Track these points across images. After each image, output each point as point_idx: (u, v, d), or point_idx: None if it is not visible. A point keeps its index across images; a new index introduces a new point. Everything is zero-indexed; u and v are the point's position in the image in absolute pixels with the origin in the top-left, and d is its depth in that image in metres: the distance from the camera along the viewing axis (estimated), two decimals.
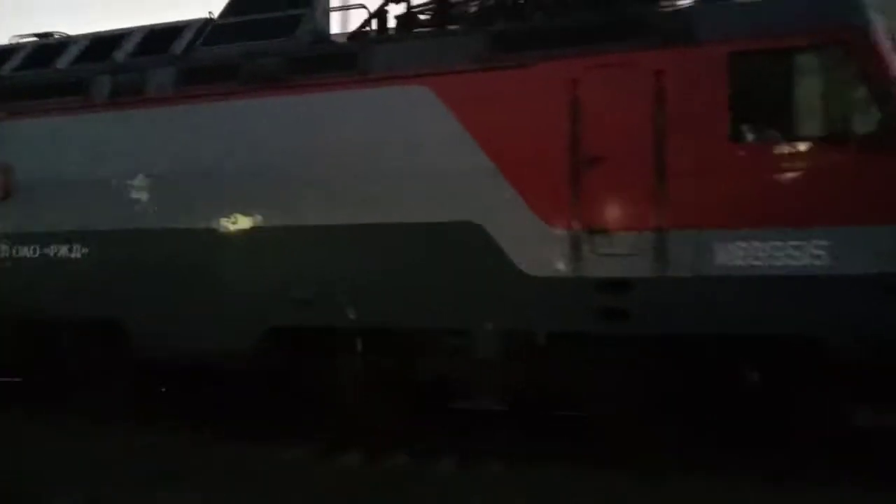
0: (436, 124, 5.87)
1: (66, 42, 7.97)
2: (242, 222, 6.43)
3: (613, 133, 5.37)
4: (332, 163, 6.18)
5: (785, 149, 5.11)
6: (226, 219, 6.47)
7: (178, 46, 7.14)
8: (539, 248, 5.57)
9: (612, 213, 5.41)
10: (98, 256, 6.90)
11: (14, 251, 7.27)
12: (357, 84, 6.19)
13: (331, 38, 6.95)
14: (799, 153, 5.08)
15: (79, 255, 7.00)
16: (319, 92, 6.28)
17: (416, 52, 6.13)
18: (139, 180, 6.81)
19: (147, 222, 6.75)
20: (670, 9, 5.71)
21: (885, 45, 5.00)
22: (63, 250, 7.07)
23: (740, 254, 5.08)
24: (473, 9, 6.43)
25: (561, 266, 5.50)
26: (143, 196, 6.81)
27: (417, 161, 5.91)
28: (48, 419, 6.66)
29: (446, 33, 6.33)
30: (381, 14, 6.70)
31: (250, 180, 6.41)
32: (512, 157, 5.65)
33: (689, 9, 5.63)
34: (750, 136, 5.24)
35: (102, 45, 7.58)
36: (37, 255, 7.17)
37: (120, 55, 7.33)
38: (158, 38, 7.34)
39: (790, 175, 5.11)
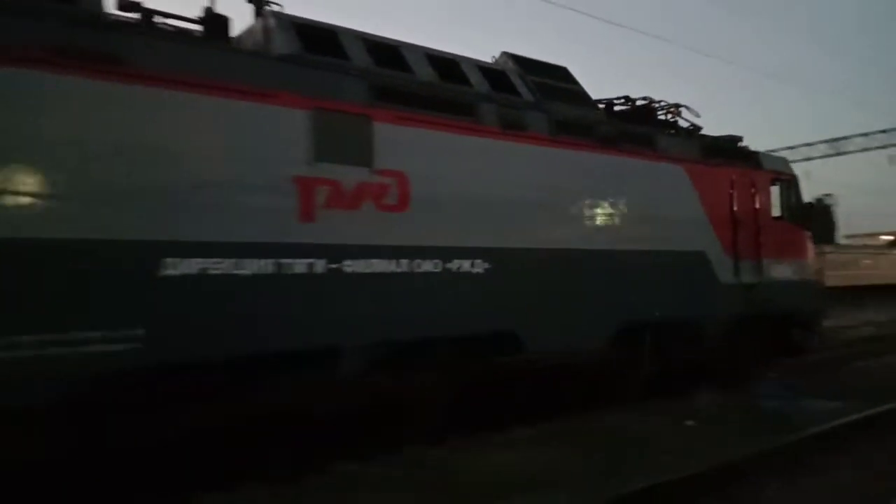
0: (685, 190, 9.75)
1: (412, 48, 7.72)
2: (618, 246, 8.65)
3: (743, 210, 10.57)
4: (641, 208, 9.13)
5: (785, 223, 11.42)
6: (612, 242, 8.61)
7: (527, 93, 8.33)
8: (725, 267, 10.21)
9: (746, 250, 10.56)
10: (495, 271, 7.51)
11: (416, 265, 6.88)
12: (652, 158, 9.35)
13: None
14: (788, 225, 11.45)
15: (477, 271, 7.38)
16: (634, 157, 9.12)
17: (676, 144, 9.79)
18: (532, 206, 7.89)
19: (547, 243, 7.93)
20: (752, 150, 11.29)
21: (798, 183, 11.90)
22: (470, 266, 7.27)
23: (777, 270, 11.10)
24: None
25: (733, 277, 10.31)
26: (542, 220, 7.95)
27: (682, 212, 9.64)
28: None
29: (684, 137, 10.12)
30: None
31: (620, 216, 8.76)
32: (713, 216, 10.11)
33: (759, 153, 11.35)
34: (778, 217, 11.35)
35: (450, 66, 7.76)
36: (437, 270, 7.06)
37: (480, 86, 7.88)
38: (494, 77, 8.19)
39: (787, 234, 11.42)
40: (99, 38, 5.39)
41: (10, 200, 4.82)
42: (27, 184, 4.91)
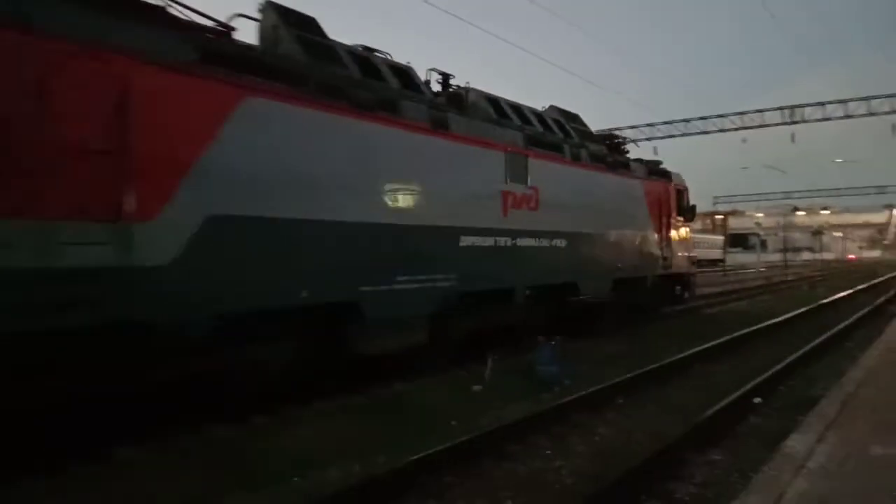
0: (640, 197, 15.62)
1: (527, 108, 12.96)
2: (615, 229, 14.11)
3: (663, 209, 16.70)
4: (625, 206, 14.85)
5: (680, 218, 17.82)
6: (613, 227, 14.03)
7: (575, 136, 13.58)
8: (655, 245, 16.25)
9: (664, 234, 16.73)
10: (568, 246, 12.69)
11: (541, 241, 11.94)
12: (628, 176, 15.06)
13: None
14: (681, 220, 17.94)
15: (562, 246, 12.51)
16: (621, 176, 14.75)
17: (636, 167, 15.63)
18: (583, 206, 13.18)
19: (587, 228, 13.27)
20: (667, 169, 17.37)
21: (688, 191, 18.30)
22: (559, 243, 12.38)
23: (676, 247, 17.52)
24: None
25: (658, 251, 16.46)
26: (587, 214, 13.27)
27: (640, 210, 15.49)
28: None
29: (638, 161, 15.91)
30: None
31: (616, 210, 14.47)
32: (651, 213, 16.11)
33: (670, 171, 17.46)
34: (680, 213, 17.66)
35: (543, 119, 12.76)
36: (548, 245, 12.13)
37: (558, 133, 12.93)
38: (560, 125, 13.31)
39: (682, 226, 17.86)
40: (440, 115, 9.89)
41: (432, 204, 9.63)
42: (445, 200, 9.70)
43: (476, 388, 9.08)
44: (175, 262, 6.33)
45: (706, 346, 12.29)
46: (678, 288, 18.29)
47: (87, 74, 5.65)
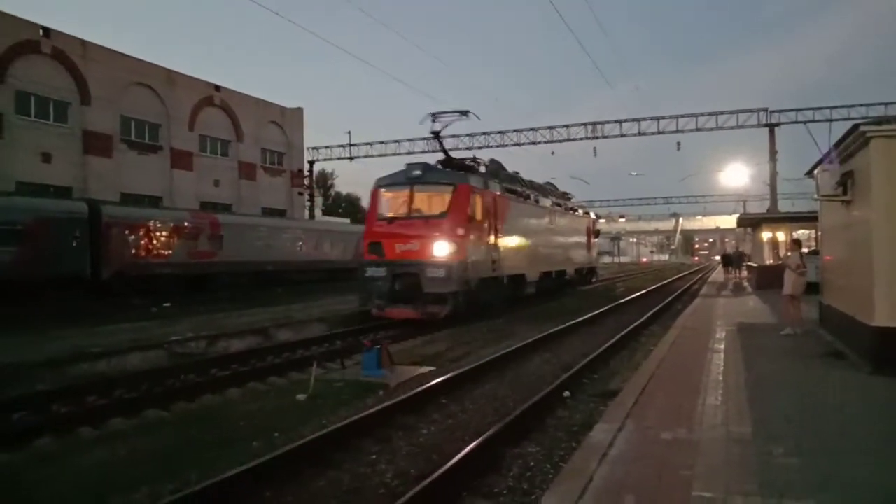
0: (584, 224, 31.97)
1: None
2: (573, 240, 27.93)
3: (589, 232, 32.86)
4: (581, 229, 31.08)
5: (593, 236, 32.55)
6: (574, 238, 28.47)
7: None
8: (586, 250, 32.19)
9: (590, 245, 33.24)
10: (564, 252, 27.85)
11: (560, 251, 26.96)
12: (581, 214, 31.74)
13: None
14: (594, 237, 31.99)
15: (562, 252, 27.60)
16: (577, 214, 31.44)
17: (580, 208, 33.84)
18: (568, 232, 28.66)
19: (569, 242, 28.95)
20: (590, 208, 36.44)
21: (597, 219, 32.04)
22: (562, 251, 26.84)
23: (593, 251, 33.86)
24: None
25: (588, 253, 32.56)
26: (570, 236, 29.47)
27: (583, 231, 31.21)
28: None
29: (580, 205, 27.56)
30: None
31: (578, 230, 30.93)
32: (587, 233, 32.45)
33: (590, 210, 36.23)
34: (594, 233, 34.92)
35: (564, 195, 31.33)
36: (560, 252, 26.04)
37: (562, 198, 26.44)
38: (564, 195, 31.09)
39: (593, 240, 31.42)
40: (540, 197, 25.00)
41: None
42: (543, 232, 25.00)
43: (300, 397, 8.75)
44: (502, 257, 19.59)
45: (518, 345, 12.68)
46: (588, 275, 33.52)
47: (492, 200, 19.25)
